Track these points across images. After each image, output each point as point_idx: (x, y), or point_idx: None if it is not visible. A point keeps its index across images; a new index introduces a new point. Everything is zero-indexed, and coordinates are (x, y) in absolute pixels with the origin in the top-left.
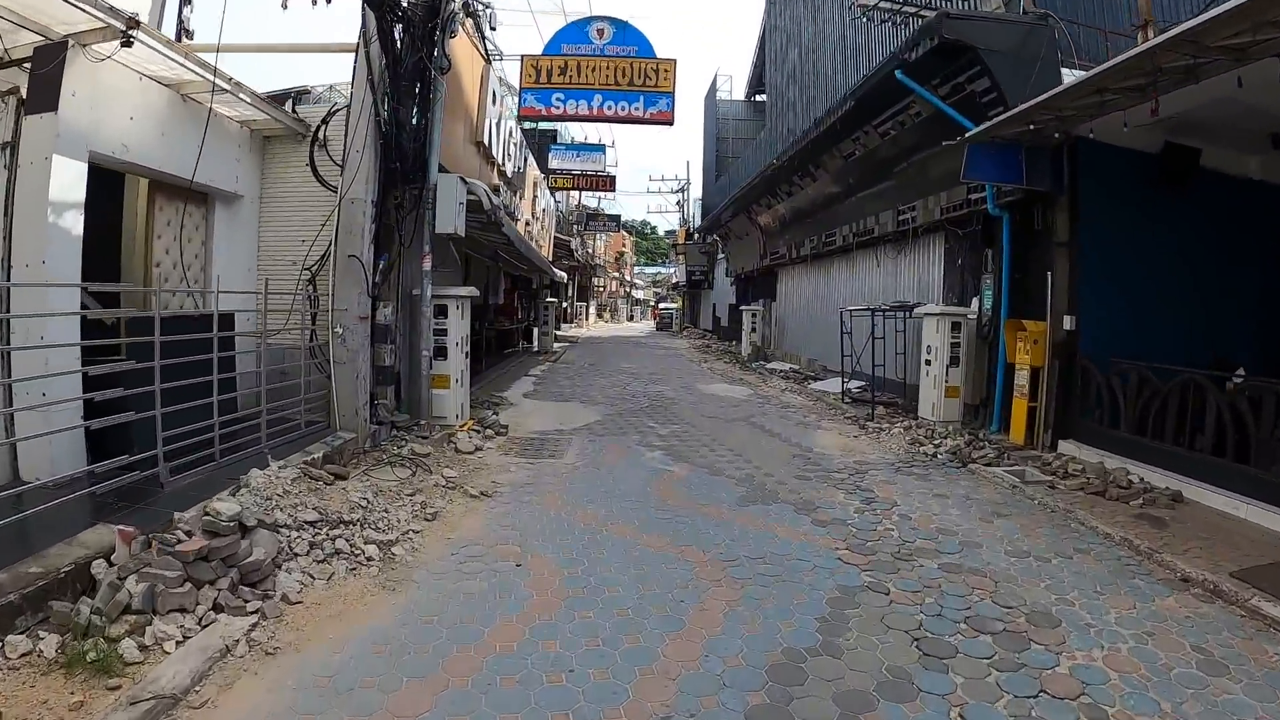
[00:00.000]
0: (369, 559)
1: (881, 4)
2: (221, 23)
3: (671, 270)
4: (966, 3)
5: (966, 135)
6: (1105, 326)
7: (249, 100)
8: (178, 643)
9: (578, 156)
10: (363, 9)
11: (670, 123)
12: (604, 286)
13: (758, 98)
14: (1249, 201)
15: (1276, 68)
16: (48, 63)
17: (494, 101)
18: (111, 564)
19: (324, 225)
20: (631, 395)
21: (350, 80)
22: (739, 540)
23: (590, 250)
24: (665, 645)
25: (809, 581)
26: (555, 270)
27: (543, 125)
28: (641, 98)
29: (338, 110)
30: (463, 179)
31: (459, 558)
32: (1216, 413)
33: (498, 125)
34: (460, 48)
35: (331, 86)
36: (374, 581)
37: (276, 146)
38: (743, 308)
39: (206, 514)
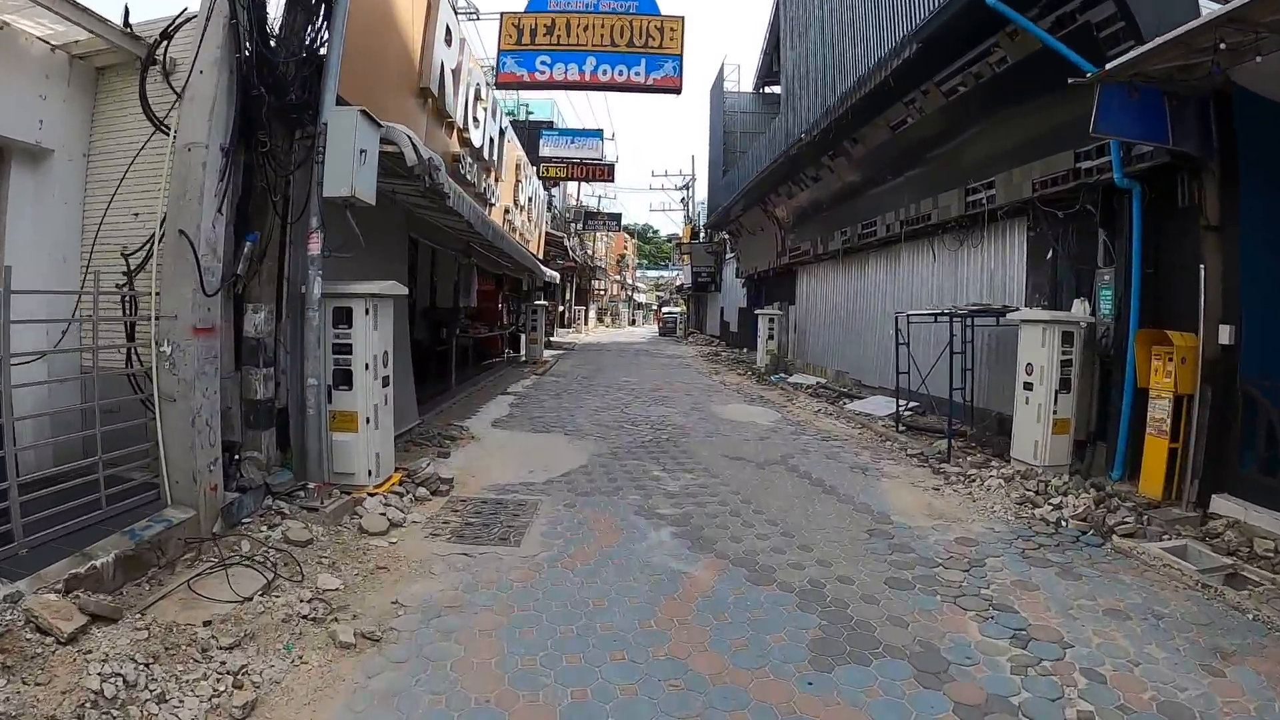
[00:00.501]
0: None
1: None
2: None
3: (674, 273)
4: None
5: (1108, 68)
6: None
7: (52, 5)
8: None
9: (572, 143)
10: None
11: (678, 90)
12: (604, 290)
13: (767, 89)
14: None
15: None
16: None
17: (447, 41)
18: None
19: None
20: (631, 422)
21: None
22: None
23: (590, 251)
24: None
25: None
26: (545, 269)
27: (534, 115)
28: (643, 61)
29: (185, 21)
30: (367, 115)
31: None
32: None
33: (456, 78)
34: None
35: None
36: None
37: (114, 81)
38: (757, 312)
39: None
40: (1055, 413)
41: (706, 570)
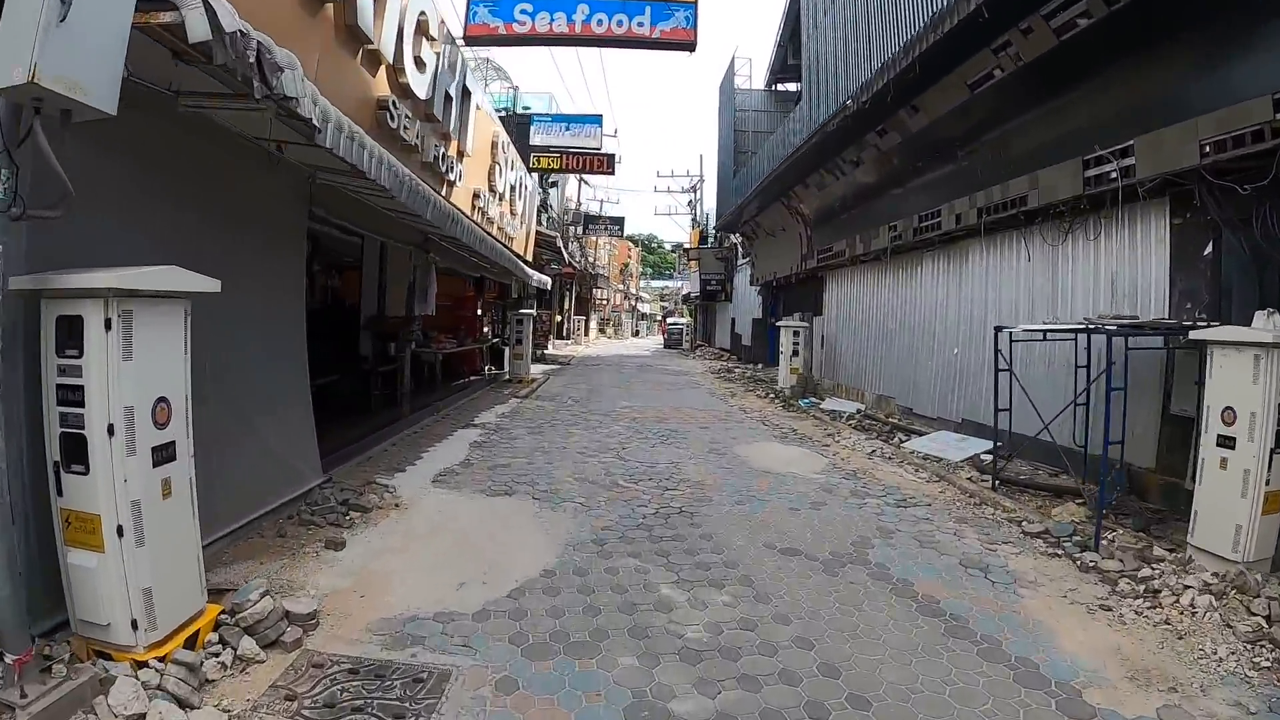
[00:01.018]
0: None
1: None
2: None
3: (680, 283)
4: None
5: None
6: None
7: None
8: None
9: (567, 130)
10: None
11: (691, 46)
12: (606, 299)
13: (780, 87)
14: None
15: None
16: None
17: None
18: None
19: None
20: (629, 476)
21: None
22: None
23: (591, 258)
24: None
25: None
26: (533, 273)
27: (529, 109)
28: (648, 9)
29: None
30: None
31: None
32: None
33: None
34: None
35: None
36: None
37: None
38: (779, 324)
39: None
40: (1268, 483)
41: None
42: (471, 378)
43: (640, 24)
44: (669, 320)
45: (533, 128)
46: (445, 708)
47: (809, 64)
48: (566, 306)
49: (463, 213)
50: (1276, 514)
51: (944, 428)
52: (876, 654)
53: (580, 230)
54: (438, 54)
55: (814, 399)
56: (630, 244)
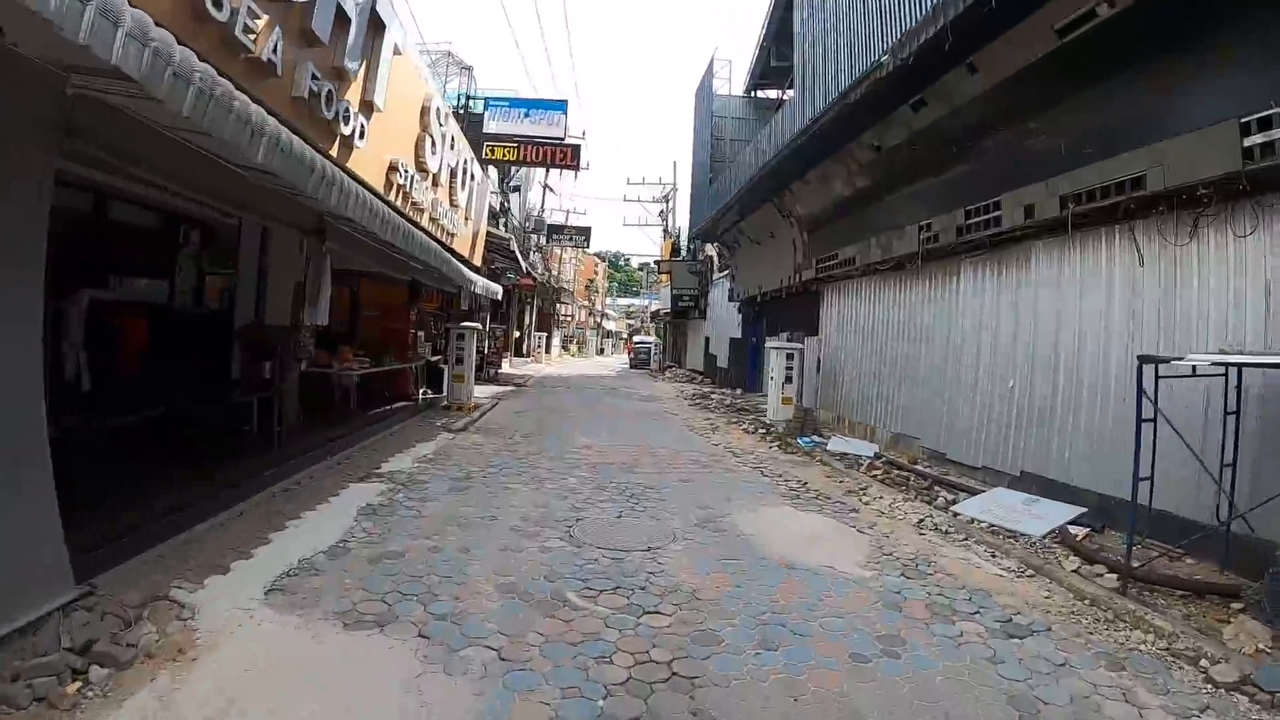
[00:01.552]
0: None
1: None
2: None
3: (647, 301)
4: None
5: None
6: None
7: None
8: None
9: (526, 117)
10: None
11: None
12: (571, 315)
13: (760, 93)
14: None
15: None
16: None
17: None
18: None
19: None
20: (583, 582)
21: None
22: None
23: (555, 272)
24: None
25: None
26: (474, 277)
27: (478, 93)
28: None
29: None
30: None
31: None
32: None
33: None
34: None
35: None
36: None
37: None
38: (770, 346)
39: None
40: None
41: None
42: (399, 404)
43: None
44: (635, 339)
45: (487, 113)
46: None
47: (808, 33)
48: (527, 322)
49: (369, 188)
50: None
51: (992, 480)
52: None
53: (543, 240)
54: None
55: (816, 437)
56: (597, 259)
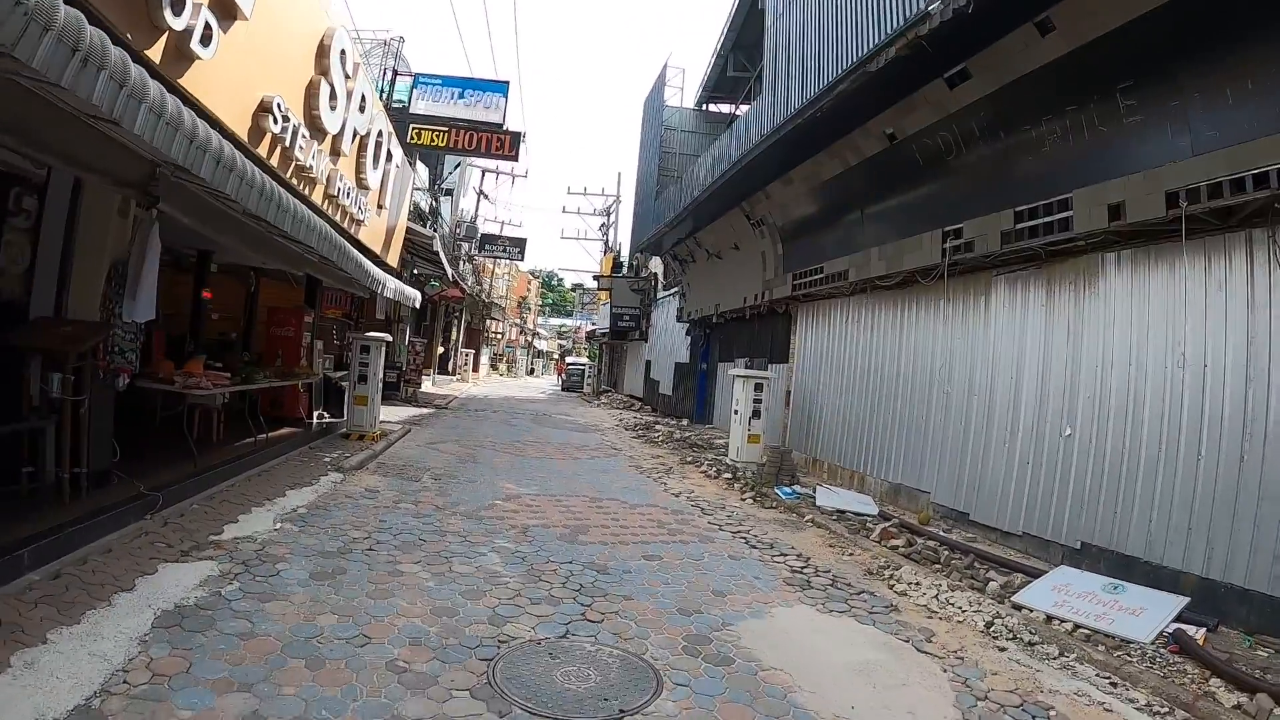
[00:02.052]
0: None
1: None
2: None
3: (579, 322)
4: None
5: None
6: None
7: None
8: None
9: (461, 98)
10: None
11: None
12: (501, 333)
13: (712, 107)
14: None
15: None
16: None
17: None
18: None
19: None
20: None
21: None
22: None
23: (486, 286)
24: None
25: None
26: (385, 277)
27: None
28: None
29: None
30: None
31: None
32: None
33: None
34: None
35: None
36: None
37: None
38: (734, 373)
39: None
40: None
41: None
42: (283, 431)
43: None
44: (568, 360)
45: (415, 91)
46: None
47: (769, 61)
48: (454, 337)
49: (223, 130)
50: None
51: (1037, 551)
52: None
53: (475, 250)
54: None
55: (797, 487)
56: (530, 276)
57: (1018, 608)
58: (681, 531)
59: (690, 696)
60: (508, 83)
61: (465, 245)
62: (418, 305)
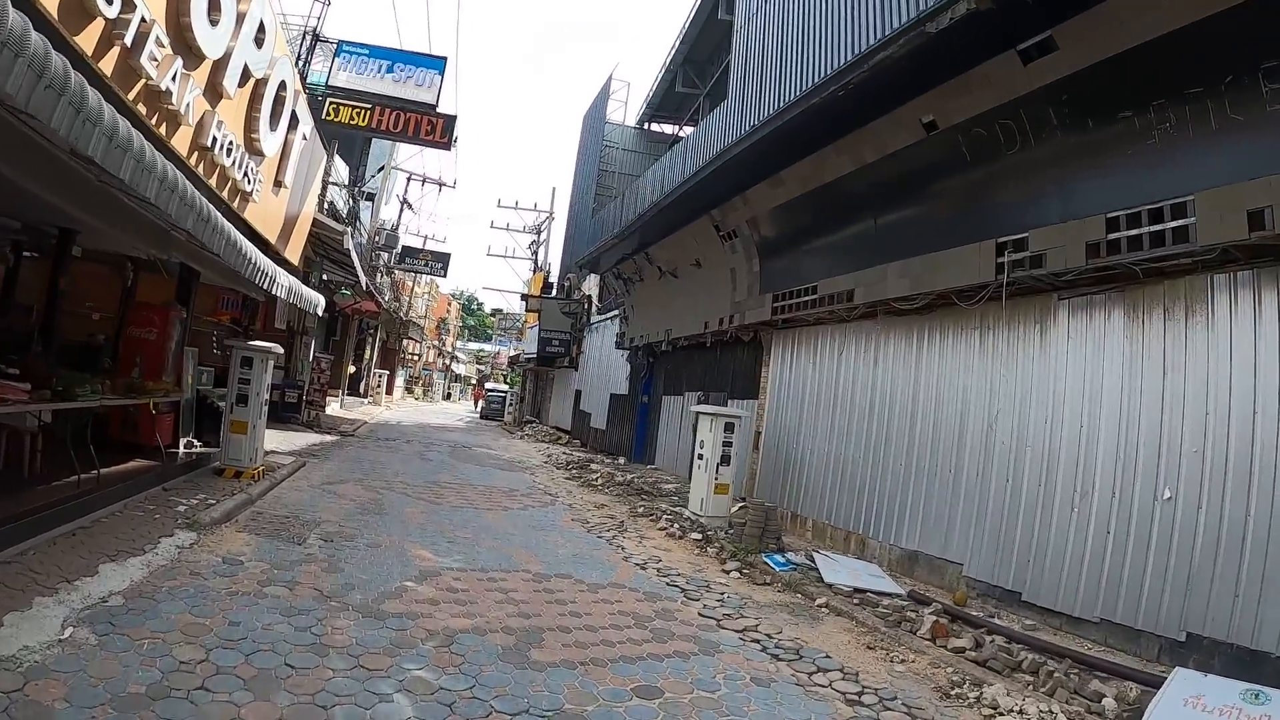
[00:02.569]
0: None
1: None
2: None
3: (498, 348)
4: None
5: None
6: None
7: None
8: None
9: (389, 72)
10: None
11: None
12: (419, 354)
13: (654, 126)
14: None
15: None
16: None
17: None
18: None
19: None
20: None
21: None
22: None
23: (405, 303)
24: None
25: None
26: (277, 271)
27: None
28: None
29: None
30: None
31: None
32: None
33: None
34: None
35: None
36: None
37: None
38: (698, 410)
39: None
40: None
41: None
42: (123, 466)
43: None
44: (487, 386)
45: (338, 60)
46: None
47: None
48: (368, 355)
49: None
50: None
51: (1121, 643)
52: None
53: (394, 261)
54: None
55: (789, 556)
56: (450, 298)
57: None
58: (671, 634)
59: None
60: (444, 58)
61: (384, 255)
62: (321, 313)
